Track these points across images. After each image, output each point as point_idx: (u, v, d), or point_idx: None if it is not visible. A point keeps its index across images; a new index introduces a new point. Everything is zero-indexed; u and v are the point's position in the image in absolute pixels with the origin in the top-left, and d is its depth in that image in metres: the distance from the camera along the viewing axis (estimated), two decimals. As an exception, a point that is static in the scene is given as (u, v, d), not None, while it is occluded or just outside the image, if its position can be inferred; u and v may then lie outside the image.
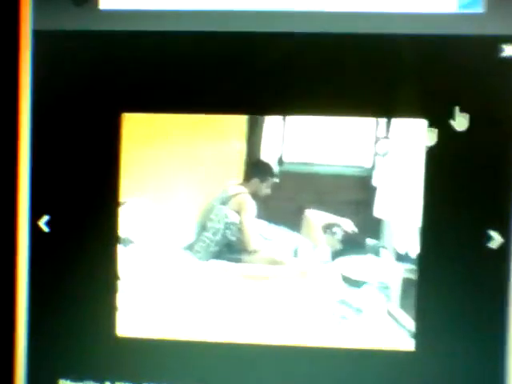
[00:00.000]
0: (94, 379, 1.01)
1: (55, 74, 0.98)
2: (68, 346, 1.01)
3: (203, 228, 1.07)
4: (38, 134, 0.98)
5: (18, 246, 0.99)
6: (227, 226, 1.06)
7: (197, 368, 1.00)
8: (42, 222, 0.98)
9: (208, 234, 1.06)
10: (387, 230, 1.01)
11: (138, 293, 1.02)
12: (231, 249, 1.05)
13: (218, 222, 1.06)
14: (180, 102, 0.97)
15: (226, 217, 1.06)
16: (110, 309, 1.00)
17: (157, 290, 1.03)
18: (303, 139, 1.00)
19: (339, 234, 1.03)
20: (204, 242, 1.06)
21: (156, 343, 1.00)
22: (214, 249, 1.05)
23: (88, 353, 1.01)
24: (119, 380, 1.01)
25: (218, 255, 1.05)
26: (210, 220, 1.07)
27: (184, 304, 1.02)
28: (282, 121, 1.00)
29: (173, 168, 1.02)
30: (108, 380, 1.01)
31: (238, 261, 1.03)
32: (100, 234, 0.99)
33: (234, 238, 1.05)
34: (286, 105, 0.96)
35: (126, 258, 1.01)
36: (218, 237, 1.06)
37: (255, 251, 1.03)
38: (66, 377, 1.02)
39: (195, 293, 1.03)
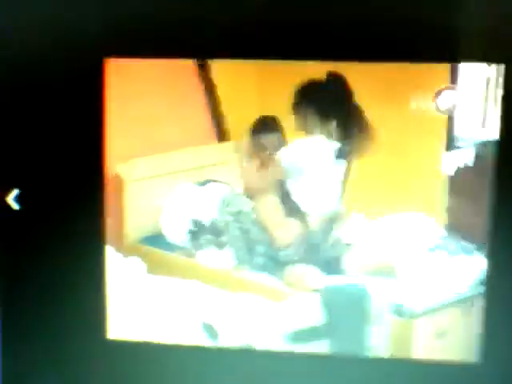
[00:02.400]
0: (85, 388, 0.90)
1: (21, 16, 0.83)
2: (53, 350, 0.88)
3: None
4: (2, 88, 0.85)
5: (-18, 227, 0.89)
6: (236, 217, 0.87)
7: (207, 380, 0.85)
8: (11, 198, 0.86)
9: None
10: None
11: (128, 289, 0.89)
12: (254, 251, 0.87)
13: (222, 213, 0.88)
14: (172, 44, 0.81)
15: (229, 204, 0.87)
16: (97, 307, 0.86)
17: (149, 287, 0.89)
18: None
19: None
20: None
21: (152, 347, 0.87)
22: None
23: (76, 357, 0.88)
24: (111, 389, 0.90)
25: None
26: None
27: (180, 305, 0.88)
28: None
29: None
30: (101, 388, 0.89)
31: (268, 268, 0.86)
32: (82, 211, 0.85)
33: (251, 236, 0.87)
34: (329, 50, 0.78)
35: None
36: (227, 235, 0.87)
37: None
38: None
39: (190, 293, 0.88)
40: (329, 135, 0.87)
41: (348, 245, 0.87)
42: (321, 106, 0.86)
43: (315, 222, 0.89)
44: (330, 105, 0.86)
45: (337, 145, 0.87)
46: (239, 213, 0.89)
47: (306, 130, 0.87)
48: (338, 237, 0.88)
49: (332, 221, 0.89)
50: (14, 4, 0.83)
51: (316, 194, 0.89)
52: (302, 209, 0.89)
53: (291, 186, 0.89)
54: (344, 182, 0.88)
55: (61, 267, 0.86)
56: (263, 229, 0.88)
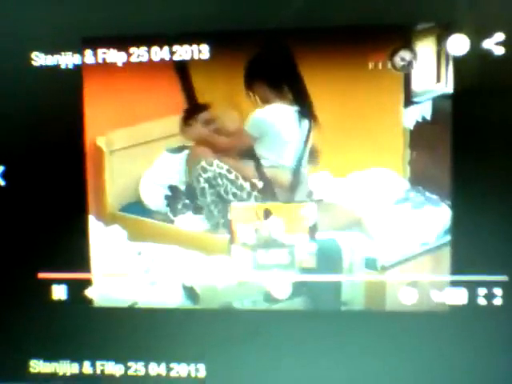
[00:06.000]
0: (70, 358, 0.87)
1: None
2: (38, 321, 0.88)
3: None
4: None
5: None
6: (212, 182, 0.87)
7: (191, 342, 0.86)
8: None
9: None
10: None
11: (111, 257, 0.87)
12: None
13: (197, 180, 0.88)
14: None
15: (205, 171, 0.87)
16: (83, 277, 0.87)
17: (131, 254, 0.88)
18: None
19: None
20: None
21: (141, 314, 0.87)
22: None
23: (61, 328, 0.88)
24: (101, 358, 0.88)
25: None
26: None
27: (162, 270, 0.87)
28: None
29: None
30: (87, 358, 0.87)
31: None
32: (65, 184, 0.86)
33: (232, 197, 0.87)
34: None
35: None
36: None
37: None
38: (39, 357, 0.89)
39: (171, 257, 0.87)
40: (286, 101, 0.86)
41: (318, 201, 0.88)
42: (269, 77, 0.85)
43: (282, 181, 0.88)
44: (277, 75, 0.85)
45: (296, 108, 0.86)
46: (215, 177, 0.88)
47: (264, 101, 0.86)
48: (309, 191, 0.87)
49: (298, 179, 0.88)
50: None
51: (282, 156, 0.88)
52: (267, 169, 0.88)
53: (259, 151, 0.88)
54: (306, 141, 0.87)
55: (46, 239, 0.86)
56: (240, 187, 0.88)
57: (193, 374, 0.86)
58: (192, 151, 0.88)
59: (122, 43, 0.82)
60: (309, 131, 0.85)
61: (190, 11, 0.80)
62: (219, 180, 0.87)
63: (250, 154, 0.87)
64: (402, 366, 0.82)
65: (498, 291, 0.79)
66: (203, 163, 0.86)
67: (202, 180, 0.87)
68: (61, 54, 0.83)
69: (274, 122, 0.86)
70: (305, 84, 0.82)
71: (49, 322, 0.87)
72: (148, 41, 0.82)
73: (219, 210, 0.86)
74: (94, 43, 0.83)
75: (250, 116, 0.86)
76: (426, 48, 0.79)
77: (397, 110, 0.81)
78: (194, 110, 0.86)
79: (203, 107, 0.85)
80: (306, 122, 0.85)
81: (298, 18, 0.79)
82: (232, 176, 0.86)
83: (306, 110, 0.84)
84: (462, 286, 0.81)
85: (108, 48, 0.83)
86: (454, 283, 0.81)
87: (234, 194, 0.86)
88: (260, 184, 0.85)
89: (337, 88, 0.81)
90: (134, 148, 0.86)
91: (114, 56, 0.83)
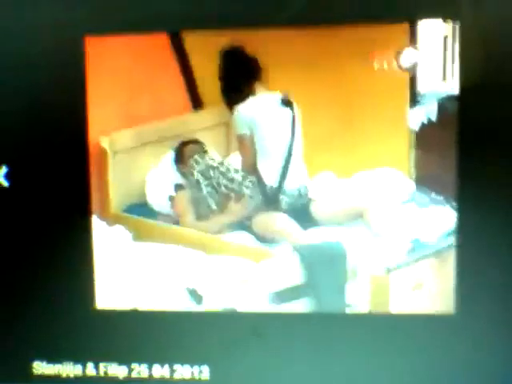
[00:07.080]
0: (73, 360, 0.87)
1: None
2: (41, 322, 0.88)
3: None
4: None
5: (-28, 205, 0.88)
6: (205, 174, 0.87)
7: (195, 344, 0.85)
8: (1, 175, 0.86)
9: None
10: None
11: (114, 257, 0.88)
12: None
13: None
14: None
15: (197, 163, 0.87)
16: (86, 277, 0.86)
17: (134, 254, 0.88)
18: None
19: None
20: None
21: (145, 316, 0.87)
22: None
23: (64, 329, 0.88)
24: (104, 360, 0.87)
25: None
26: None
27: (165, 271, 0.87)
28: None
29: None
30: (90, 360, 0.87)
31: None
32: (70, 187, 0.85)
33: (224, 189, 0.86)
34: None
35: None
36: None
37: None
38: (41, 358, 0.89)
39: (174, 258, 0.87)
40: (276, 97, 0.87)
41: (311, 199, 0.87)
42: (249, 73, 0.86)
43: (271, 173, 0.88)
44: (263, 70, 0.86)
45: (277, 96, 0.86)
46: (208, 169, 0.88)
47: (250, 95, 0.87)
48: (304, 186, 0.88)
49: (287, 170, 0.88)
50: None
51: (270, 144, 0.88)
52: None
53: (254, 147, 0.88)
54: (293, 130, 0.87)
55: (49, 240, 0.86)
56: (231, 180, 0.88)
57: (197, 376, 0.86)
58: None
59: (125, 44, 0.82)
60: (292, 128, 0.85)
61: (191, 9, 0.80)
62: (211, 172, 0.86)
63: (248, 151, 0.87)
64: (406, 369, 0.82)
65: (503, 295, 0.79)
66: (196, 157, 0.86)
67: (196, 173, 0.87)
68: (66, 59, 0.82)
69: (261, 115, 0.87)
70: (300, 81, 0.82)
71: (52, 323, 0.87)
72: (151, 39, 0.82)
73: (217, 203, 0.86)
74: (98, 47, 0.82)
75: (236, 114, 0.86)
76: (432, 48, 0.79)
77: (402, 110, 0.81)
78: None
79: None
80: (298, 121, 0.85)
81: (301, 16, 0.78)
82: (223, 169, 0.86)
83: (294, 106, 0.84)
84: (468, 288, 0.80)
85: (111, 50, 0.83)
86: (460, 286, 0.80)
87: (230, 188, 0.85)
88: (253, 179, 0.86)
89: (340, 88, 0.81)
90: (138, 149, 0.86)
91: (117, 57, 0.83)
